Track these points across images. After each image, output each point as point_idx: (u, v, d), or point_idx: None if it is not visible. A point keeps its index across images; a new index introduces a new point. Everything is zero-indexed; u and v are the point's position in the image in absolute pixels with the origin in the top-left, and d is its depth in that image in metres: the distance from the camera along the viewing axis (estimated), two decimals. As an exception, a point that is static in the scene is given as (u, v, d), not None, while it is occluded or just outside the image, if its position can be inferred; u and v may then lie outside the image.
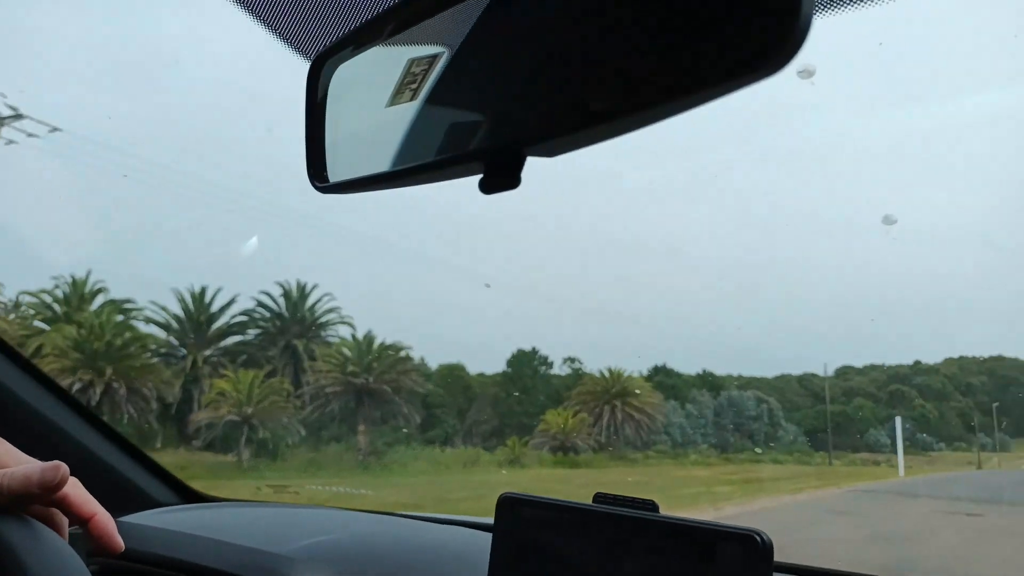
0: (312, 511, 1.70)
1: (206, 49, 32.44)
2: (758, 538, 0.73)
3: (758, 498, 12.99)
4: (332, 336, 23.78)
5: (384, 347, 22.09)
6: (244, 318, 23.54)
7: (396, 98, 0.63)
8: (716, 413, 33.57)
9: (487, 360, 36.25)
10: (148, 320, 21.75)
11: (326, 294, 24.45)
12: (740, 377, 38.91)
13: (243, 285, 25.79)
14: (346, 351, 21.64)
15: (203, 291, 22.38)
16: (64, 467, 0.66)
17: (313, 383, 21.14)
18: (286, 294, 23.81)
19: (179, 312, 22.24)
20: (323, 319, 23.95)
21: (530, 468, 21.71)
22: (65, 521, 0.72)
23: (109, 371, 18.42)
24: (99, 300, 20.87)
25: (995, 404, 38.34)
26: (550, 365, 34.41)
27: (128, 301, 21.17)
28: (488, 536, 0.92)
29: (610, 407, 27.01)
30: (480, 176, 0.55)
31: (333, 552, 1.28)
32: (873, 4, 0.87)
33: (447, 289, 39.17)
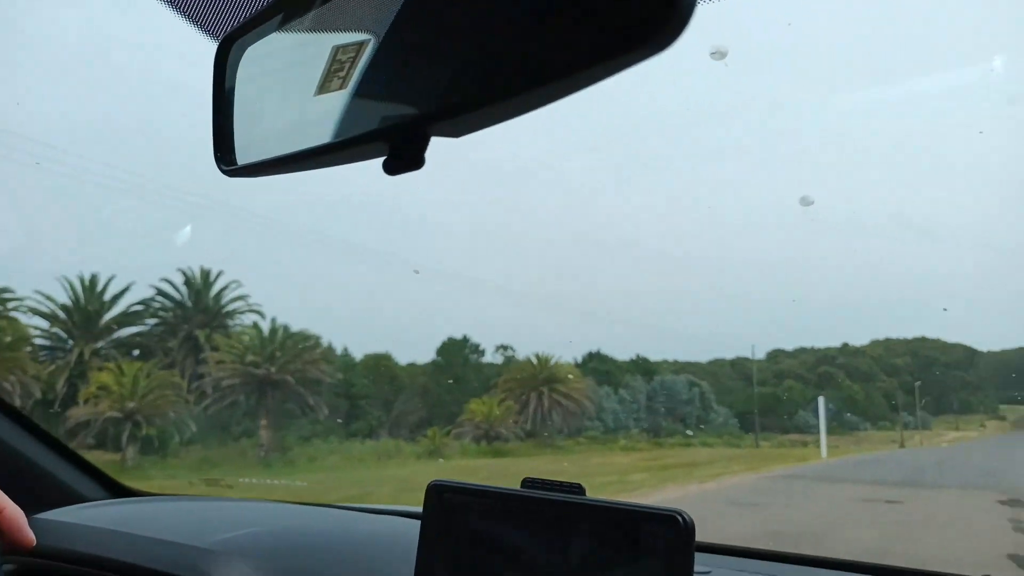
0: (242, 504, 1.70)
1: (105, 33, 30.31)
2: (680, 518, 0.76)
3: (666, 487, 12.40)
4: (239, 326, 22.37)
5: (290, 335, 20.74)
6: (141, 307, 21.93)
7: (302, 79, 0.64)
8: (649, 398, 33.53)
9: (422, 350, 35.47)
10: (32, 311, 19.98)
11: (233, 281, 23.00)
12: (675, 362, 39.20)
13: (150, 275, 24.14)
14: (247, 340, 20.19)
15: (94, 279, 20.66)
16: None
17: (210, 375, 19.66)
18: (188, 282, 22.27)
19: (68, 302, 20.52)
20: (229, 308, 22.54)
21: (451, 459, 20.95)
22: None
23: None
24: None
25: (918, 383, 39.47)
26: (482, 353, 34.04)
27: (6, 291, 19.34)
28: (417, 524, 0.92)
29: (537, 394, 26.35)
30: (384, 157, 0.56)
31: (256, 544, 1.28)
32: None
33: (377, 278, 38.34)
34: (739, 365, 40.12)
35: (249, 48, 0.69)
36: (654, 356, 36.71)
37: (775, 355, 44.19)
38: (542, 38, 0.45)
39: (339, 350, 30.68)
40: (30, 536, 0.72)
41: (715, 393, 35.96)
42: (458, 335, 34.04)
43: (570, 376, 27.84)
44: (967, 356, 45.09)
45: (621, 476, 13.97)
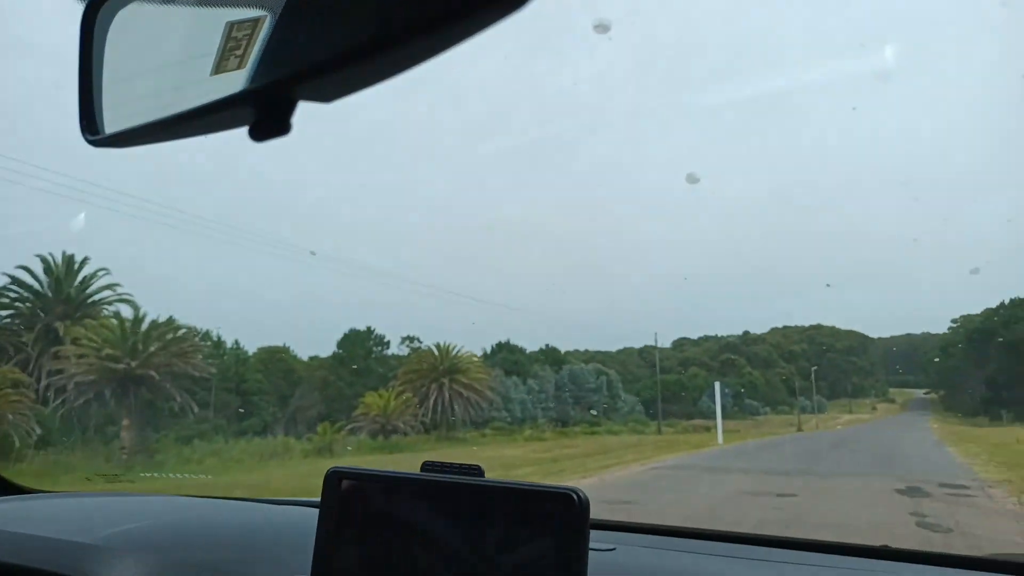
0: (137, 499, 1.65)
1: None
2: (575, 496, 0.77)
3: (545, 483, 11.82)
4: (107, 317, 20.40)
5: (156, 326, 19.03)
6: (-10, 297, 19.76)
7: (170, 43, 0.63)
8: (557, 387, 33.22)
9: (324, 343, 33.98)
10: None
11: (101, 269, 21.06)
12: (585, 352, 39.21)
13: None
14: (106, 333, 18.41)
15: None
16: None
17: (66, 371, 17.80)
18: (48, 269, 20.20)
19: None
20: (95, 297, 20.62)
21: (342, 457, 19.85)
22: None
23: None
24: None
25: (814, 369, 40.85)
26: (387, 345, 33.01)
27: None
28: (316, 513, 0.90)
29: (438, 385, 25.49)
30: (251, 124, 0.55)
31: (146, 538, 1.24)
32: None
33: (274, 268, 36.84)
34: (647, 353, 40.48)
35: (118, 12, 0.66)
36: (564, 346, 36.57)
37: (681, 343, 44.97)
38: None
39: (230, 343, 28.96)
40: None
41: (623, 381, 36.01)
42: (361, 327, 32.82)
43: (472, 366, 27.08)
44: (860, 342, 47.17)
45: (506, 471, 13.36)
